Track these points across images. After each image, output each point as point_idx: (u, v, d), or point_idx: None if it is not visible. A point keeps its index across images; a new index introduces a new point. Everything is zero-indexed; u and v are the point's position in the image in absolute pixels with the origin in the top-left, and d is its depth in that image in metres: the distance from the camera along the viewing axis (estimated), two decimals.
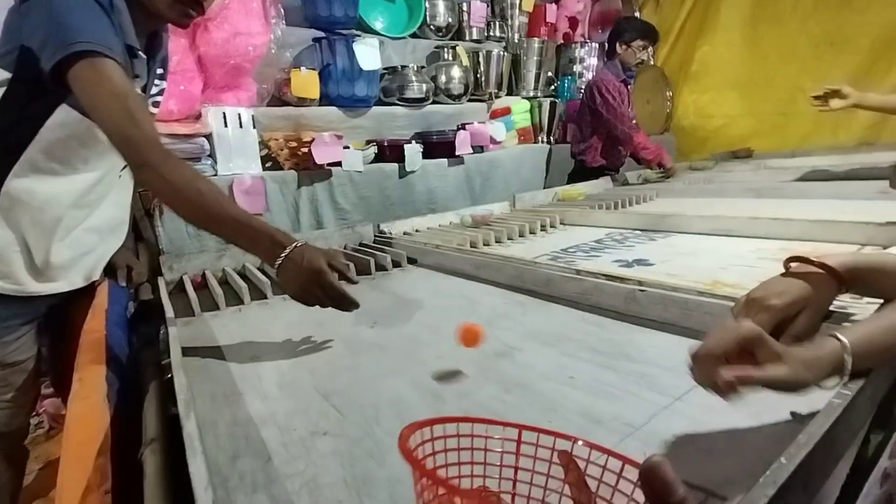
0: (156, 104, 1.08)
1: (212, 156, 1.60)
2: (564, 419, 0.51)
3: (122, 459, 0.64)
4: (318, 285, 0.73)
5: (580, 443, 0.31)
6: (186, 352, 0.74)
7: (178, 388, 0.53)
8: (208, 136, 1.57)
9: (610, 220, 1.55)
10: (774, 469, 0.31)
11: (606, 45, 2.52)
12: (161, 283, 1.14)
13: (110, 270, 1.17)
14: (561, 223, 1.64)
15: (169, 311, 0.88)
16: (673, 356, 0.63)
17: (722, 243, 1.21)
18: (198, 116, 1.58)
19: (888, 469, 0.34)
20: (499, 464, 0.32)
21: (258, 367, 0.71)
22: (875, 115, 2.85)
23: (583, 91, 2.54)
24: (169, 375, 0.73)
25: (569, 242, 1.36)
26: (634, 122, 2.43)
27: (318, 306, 0.76)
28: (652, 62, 3.77)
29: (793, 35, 3.13)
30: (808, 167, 2.34)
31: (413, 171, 2.05)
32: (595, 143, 2.44)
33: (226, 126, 1.61)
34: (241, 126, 1.64)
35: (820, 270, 0.51)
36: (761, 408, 0.47)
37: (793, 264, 0.55)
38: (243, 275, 1.25)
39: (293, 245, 0.74)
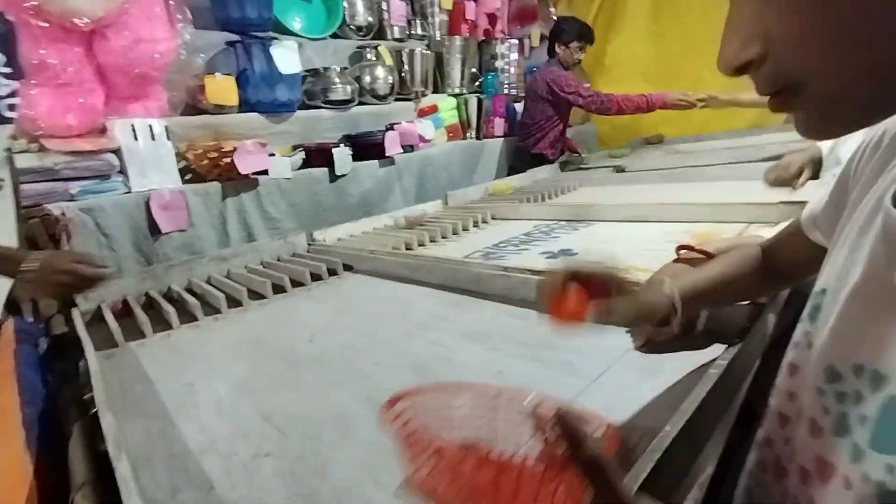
0: (11, 107, 0.99)
1: (123, 172, 1.49)
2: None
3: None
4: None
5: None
6: (112, 387, 0.71)
7: (106, 427, 0.52)
8: (117, 151, 1.46)
9: (537, 213, 1.64)
10: (661, 436, 0.37)
11: (548, 43, 2.69)
12: (76, 314, 1.06)
13: (13, 306, 1.07)
14: (492, 218, 1.71)
15: (88, 345, 0.83)
16: (590, 342, 0.69)
17: (635, 229, 1.32)
18: (102, 130, 1.47)
19: (759, 437, 0.41)
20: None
21: (193, 395, 0.70)
22: (763, 102, 3.20)
23: (531, 86, 2.69)
24: (94, 410, 0.69)
25: (500, 237, 1.43)
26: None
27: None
28: None
29: (693, 29, 3.42)
30: (710, 149, 2.60)
31: (343, 175, 2.03)
32: (549, 132, 2.63)
33: (136, 139, 1.51)
34: (153, 138, 1.55)
35: (701, 256, 0.60)
36: (662, 382, 0.54)
37: (682, 252, 0.65)
38: (169, 297, 1.19)
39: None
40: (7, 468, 0.61)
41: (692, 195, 1.54)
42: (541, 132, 2.64)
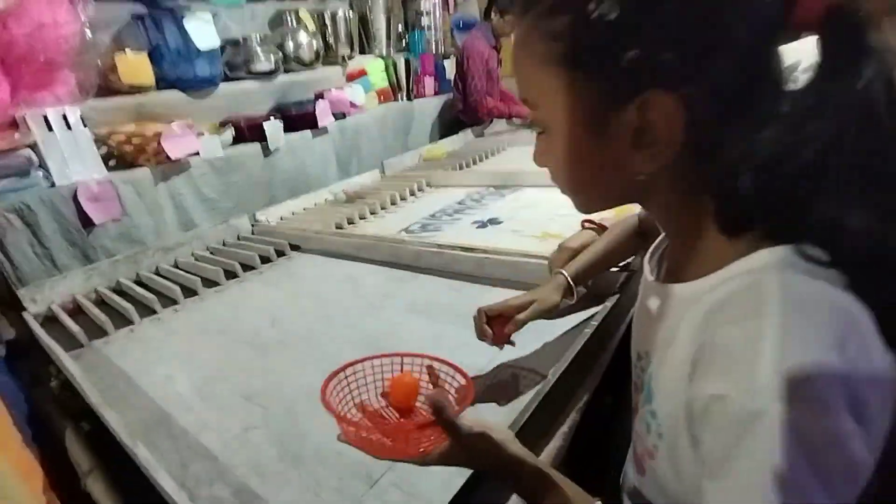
0: None
1: (42, 166, 1.44)
2: None
3: (62, 493, 0.70)
4: None
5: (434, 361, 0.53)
6: (95, 385, 0.79)
7: (114, 425, 0.61)
8: (33, 146, 1.40)
9: (468, 180, 1.77)
10: (543, 382, 0.54)
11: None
12: (29, 318, 1.09)
13: None
14: (428, 186, 1.82)
15: (56, 348, 0.89)
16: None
17: (555, 194, 1.48)
18: (12, 124, 1.39)
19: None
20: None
21: (174, 385, 0.80)
22: None
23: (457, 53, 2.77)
24: (67, 395, 0.78)
25: (435, 207, 1.55)
26: (487, 91, 2.65)
27: None
28: None
29: None
30: None
31: (277, 149, 2.04)
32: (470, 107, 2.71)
33: (51, 130, 1.44)
34: (69, 127, 1.48)
35: (600, 227, 0.80)
36: (555, 337, 0.72)
37: (585, 224, 0.83)
38: (121, 292, 1.23)
39: None
40: (16, 464, 0.70)
41: None
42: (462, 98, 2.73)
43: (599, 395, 0.65)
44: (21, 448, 0.72)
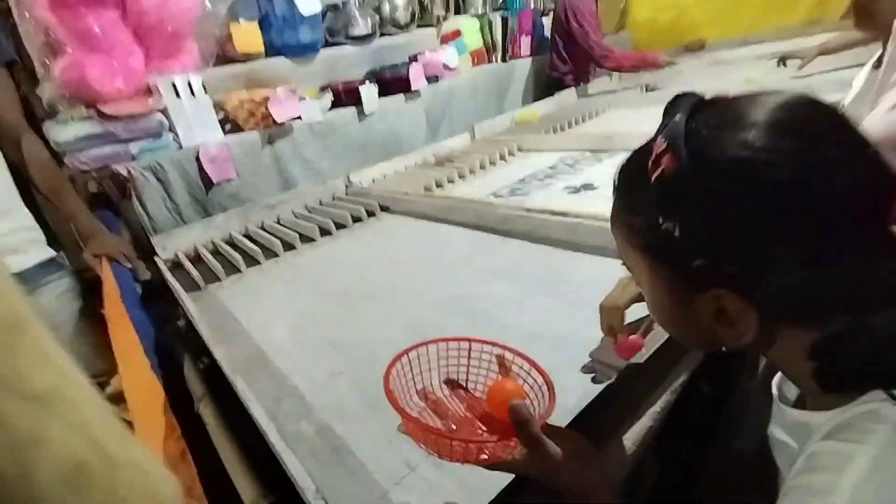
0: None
1: (172, 129, 1.61)
2: (515, 338, 0.69)
3: (178, 415, 0.80)
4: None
5: (506, 350, 0.48)
6: (208, 324, 0.88)
7: (221, 359, 0.68)
8: (163, 110, 1.57)
9: (563, 143, 1.67)
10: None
11: None
12: (160, 262, 1.25)
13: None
14: (519, 150, 1.75)
15: (181, 291, 1.00)
16: (601, 277, 0.79)
17: None
18: (146, 90, 1.57)
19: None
20: (457, 365, 0.49)
21: (272, 329, 0.86)
22: None
23: (556, 11, 2.55)
24: (194, 334, 0.87)
25: (526, 171, 1.49)
26: (604, 43, 2.46)
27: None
28: None
29: None
30: (756, 55, 2.44)
31: (372, 114, 2.08)
32: (572, 67, 2.54)
33: (178, 96, 1.60)
34: (193, 94, 1.64)
35: None
36: None
37: None
38: (231, 243, 1.35)
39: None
40: (143, 387, 0.81)
41: None
42: (570, 68, 2.57)
43: (696, 382, 0.58)
44: (149, 373, 0.83)
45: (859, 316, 0.30)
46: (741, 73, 2.19)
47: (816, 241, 0.30)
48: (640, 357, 0.56)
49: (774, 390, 0.42)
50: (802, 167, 0.30)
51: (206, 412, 0.74)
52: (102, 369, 1.36)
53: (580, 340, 0.66)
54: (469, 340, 0.48)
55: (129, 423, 0.73)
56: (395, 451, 0.53)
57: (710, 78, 2.24)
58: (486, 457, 0.40)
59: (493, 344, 0.48)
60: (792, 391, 0.41)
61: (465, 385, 0.49)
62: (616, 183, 0.41)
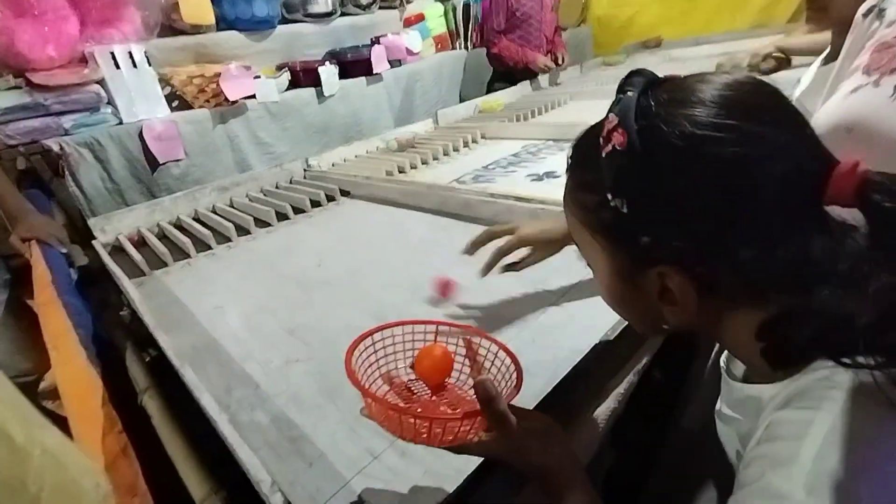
0: None
1: (111, 102, 1.49)
2: (484, 321, 0.68)
3: (119, 408, 0.74)
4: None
5: (473, 333, 0.47)
6: (153, 311, 0.82)
7: (165, 346, 0.63)
8: (101, 82, 1.45)
9: (526, 132, 1.67)
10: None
11: None
12: (98, 246, 1.15)
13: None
14: (482, 138, 1.74)
15: (122, 276, 0.93)
16: (563, 262, 0.80)
17: None
18: (82, 59, 1.44)
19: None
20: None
21: (224, 315, 0.82)
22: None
23: None
24: (138, 324, 0.81)
25: (489, 159, 1.48)
26: (505, 32, 2.37)
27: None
28: None
29: None
30: (706, 55, 2.54)
31: (332, 95, 2.01)
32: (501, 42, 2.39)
33: (118, 67, 1.48)
34: (134, 65, 1.52)
35: None
36: None
37: None
38: (180, 227, 1.27)
39: None
40: (78, 378, 0.74)
41: None
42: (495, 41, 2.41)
43: (651, 368, 0.59)
44: (85, 364, 0.76)
45: (800, 295, 0.31)
46: (698, 69, 2.27)
47: (757, 218, 0.31)
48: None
49: (722, 367, 0.43)
50: (746, 144, 0.30)
51: (151, 405, 0.69)
52: (30, 367, 1.25)
53: (545, 324, 0.66)
54: (436, 323, 0.47)
55: (64, 419, 0.67)
56: (357, 440, 0.51)
57: (668, 70, 2.31)
58: (451, 438, 0.38)
59: (460, 327, 0.47)
60: (739, 367, 0.42)
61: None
62: (569, 160, 0.40)
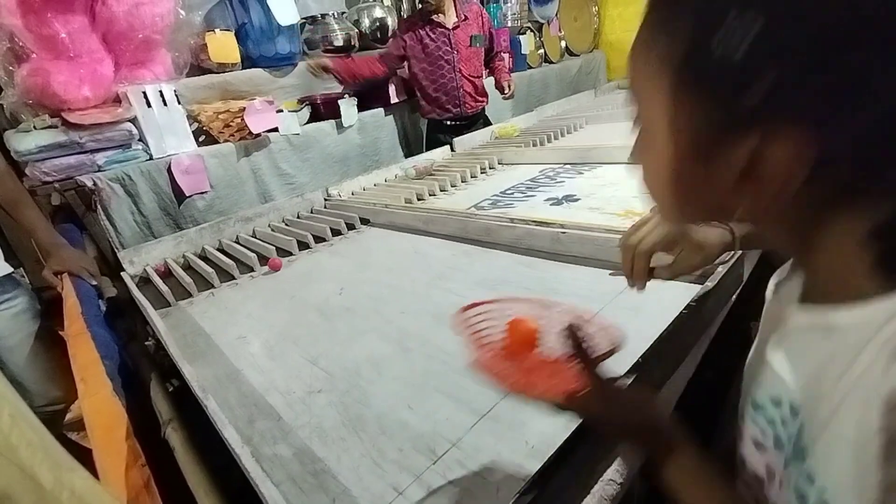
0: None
1: (142, 139, 1.55)
2: None
3: (143, 440, 0.74)
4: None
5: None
6: (178, 342, 0.83)
7: (189, 377, 0.63)
8: (133, 120, 1.51)
9: (542, 157, 1.68)
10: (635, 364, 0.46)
11: None
12: (126, 278, 1.18)
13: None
14: (499, 164, 1.75)
15: (148, 306, 0.94)
16: (588, 285, 0.79)
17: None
18: (116, 99, 1.52)
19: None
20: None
21: (247, 345, 0.82)
22: None
23: None
24: (162, 354, 0.82)
25: (507, 184, 1.49)
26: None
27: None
28: None
29: None
30: None
31: (351, 126, 2.06)
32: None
33: (149, 106, 1.55)
34: (165, 104, 1.59)
35: None
36: (646, 319, 0.64)
37: None
38: (205, 258, 1.30)
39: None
40: (104, 410, 0.75)
41: None
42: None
43: (700, 371, 0.56)
44: (111, 396, 0.77)
45: None
46: None
47: None
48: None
49: (770, 290, 0.37)
50: None
51: (174, 437, 0.68)
52: (60, 396, 1.27)
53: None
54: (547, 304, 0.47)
55: (89, 451, 0.67)
56: (381, 474, 0.50)
57: None
58: (555, 381, 0.38)
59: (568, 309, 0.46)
60: (794, 290, 0.33)
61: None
62: None
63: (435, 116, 2.17)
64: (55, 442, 0.19)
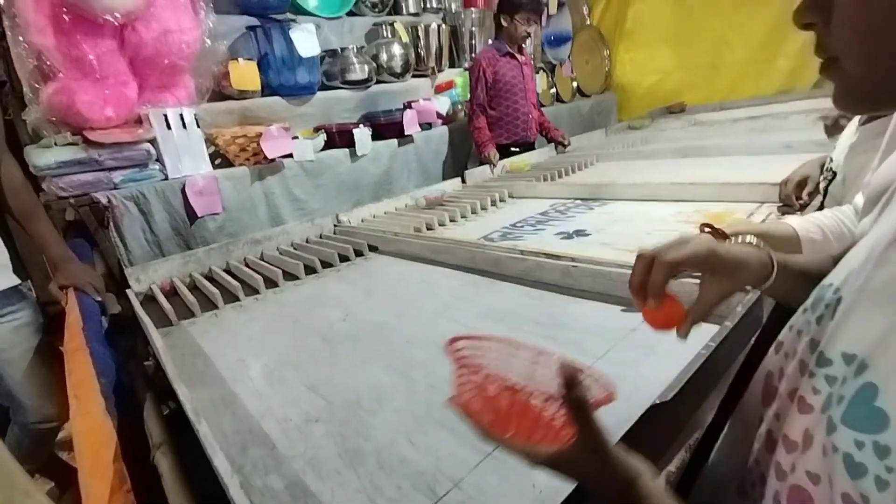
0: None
1: (159, 160, 1.58)
2: None
3: (132, 463, 0.71)
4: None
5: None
6: (175, 361, 0.81)
7: (183, 398, 0.61)
8: (152, 140, 1.55)
9: (553, 191, 1.68)
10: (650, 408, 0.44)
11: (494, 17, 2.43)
12: (131, 295, 1.17)
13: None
14: (510, 197, 1.76)
15: (150, 325, 0.93)
16: (599, 322, 0.76)
17: (649, 208, 1.35)
18: (137, 120, 1.55)
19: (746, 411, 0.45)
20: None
21: (246, 369, 0.80)
22: (792, 64, 3.11)
23: None
24: (160, 375, 0.80)
25: (517, 217, 1.48)
26: (480, 106, 2.32)
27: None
28: (588, 22, 3.86)
29: None
30: (732, 119, 2.56)
31: (364, 155, 2.09)
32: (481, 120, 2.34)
33: (169, 128, 1.59)
34: (184, 126, 1.62)
35: (721, 235, 0.68)
36: (658, 360, 0.61)
37: (705, 230, 0.72)
38: (211, 278, 1.29)
39: None
40: (94, 430, 0.72)
41: (707, 173, 1.56)
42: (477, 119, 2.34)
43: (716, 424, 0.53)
44: (103, 415, 0.75)
45: None
46: (724, 133, 2.29)
47: None
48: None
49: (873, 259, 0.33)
50: None
51: (163, 462, 0.66)
52: (54, 413, 1.25)
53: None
54: (539, 352, 0.42)
55: (76, 471, 0.64)
56: None
57: (692, 137, 2.33)
58: (540, 435, 0.34)
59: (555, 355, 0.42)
60: None
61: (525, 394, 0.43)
62: None
63: (502, 140, 2.37)
64: (13, 461, 0.17)
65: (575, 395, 0.32)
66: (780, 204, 1.13)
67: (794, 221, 0.71)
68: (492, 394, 0.35)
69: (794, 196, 1.06)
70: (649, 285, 0.45)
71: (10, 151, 1.17)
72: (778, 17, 3.04)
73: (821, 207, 0.94)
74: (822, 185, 0.99)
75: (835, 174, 0.91)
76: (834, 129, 1.18)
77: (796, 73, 3.12)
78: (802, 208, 1.05)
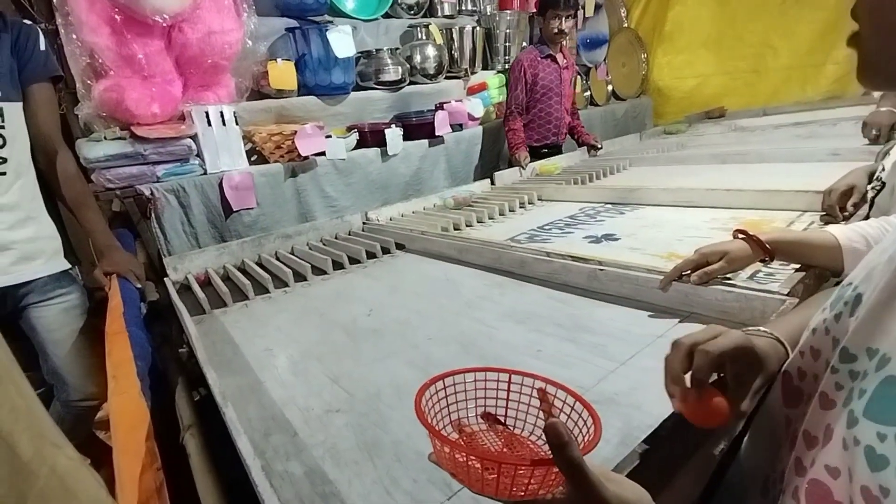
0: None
1: (199, 155, 1.65)
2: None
3: (162, 444, 0.75)
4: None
5: (547, 384, 0.42)
6: (207, 348, 0.84)
7: (212, 382, 0.63)
8: (194, 137, 1.61)
9: (583, 195, 1.66)
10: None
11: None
12: (168, 284, 1.23)
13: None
14: (539, 199, 1.74)
15: (185, 312, 0.97)
16: (624, 326, 0.75)
17: (682, 214, 1.32)
18: (180, 117, 1.62)
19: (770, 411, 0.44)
20: (495, 398, 0.43)
21: (272, 358, 0.82)
22: (841, 70, 2.97)
23: None
24: (196, 367, 0.83)
25: (545, 219, 1.47)
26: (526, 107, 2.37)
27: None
28: (625, 24, 3.79)
29: None
30: (775, 125, 2.46)
31: (395, 155, 2.12)
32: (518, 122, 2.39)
33: (209, 125, 1.65)
34: (223, 123, 1.69)
35: (756, 243, 0.67)
36: None
37: (739, 236, 0.74)
38: (243, 270, 1.33)
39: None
40: (129, 410, 0.76)
41: (745, 180, 1.51)
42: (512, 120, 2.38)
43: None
44: (138, 395, 0.78)
45: None
46: (766, 139, 2.20)
47: None
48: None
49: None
50: None
51: (191, 443, 0.68)
52: (95, 392, 1.31)
53: (602, 391, 0.60)
54: (510, 372, 0.43)
55: (111, 450, 0.67)
56: (392, 503, 0.47)
57: (731, 142, 2.25)
58: (522, 493, 0.33)
59: (534, 377, 0.42)
60: None
61: (503, 420, 0.43)
62: None
63: (532, 143, 2.41)
64: (46, 414, 0.18)
65: (566, 455, 0.31)
66: (823, 213, 1.08)
67: (837, 230, 0.68)
68: (464, 454, 0.34)
69: (839, 206, 1.01)
70: (693, 376, 0.42)
71: (65, 144, 1.24)
72: (827, 23, 2.90)
73: (866, 219, 0.90)
74: (869, 196, 0.95)
75: (883, 184, 0.86)
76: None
77: (845, 79, 2.97)
78: (847, 220, 1.00)
